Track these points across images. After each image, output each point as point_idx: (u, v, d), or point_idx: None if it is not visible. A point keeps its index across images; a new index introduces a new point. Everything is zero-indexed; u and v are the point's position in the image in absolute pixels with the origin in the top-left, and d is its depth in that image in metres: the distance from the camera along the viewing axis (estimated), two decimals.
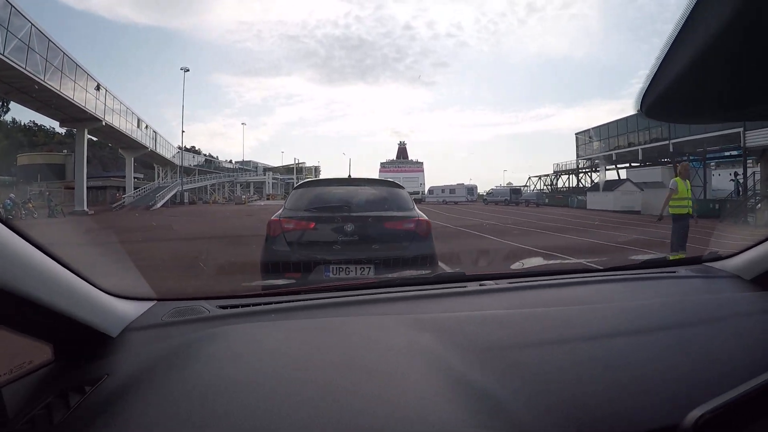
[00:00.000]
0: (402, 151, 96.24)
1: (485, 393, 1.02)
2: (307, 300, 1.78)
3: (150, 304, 1.70)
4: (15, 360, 1.06)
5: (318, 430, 0.86)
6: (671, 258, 2.45)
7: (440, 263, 6.38)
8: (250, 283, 2.72)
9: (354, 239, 5.27)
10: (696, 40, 0.63)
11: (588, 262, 2.54)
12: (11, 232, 1.02)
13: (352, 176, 6.53)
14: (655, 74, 0.71)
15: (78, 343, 1.30)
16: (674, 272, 2.16)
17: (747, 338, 1.30)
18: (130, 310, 1.57)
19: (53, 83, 26.57)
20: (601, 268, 2.34)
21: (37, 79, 24.59)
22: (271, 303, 1.75)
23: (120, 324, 1.45)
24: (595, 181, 48.54)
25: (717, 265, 2.15)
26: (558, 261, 2.99)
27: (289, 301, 1.77)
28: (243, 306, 1.72)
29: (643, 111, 0.79)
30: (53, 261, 1.15)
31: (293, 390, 1.00)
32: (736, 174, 31.29)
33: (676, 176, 9.79)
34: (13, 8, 22.11)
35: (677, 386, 0.73)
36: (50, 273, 1.14)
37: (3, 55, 21.35)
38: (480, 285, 1.95)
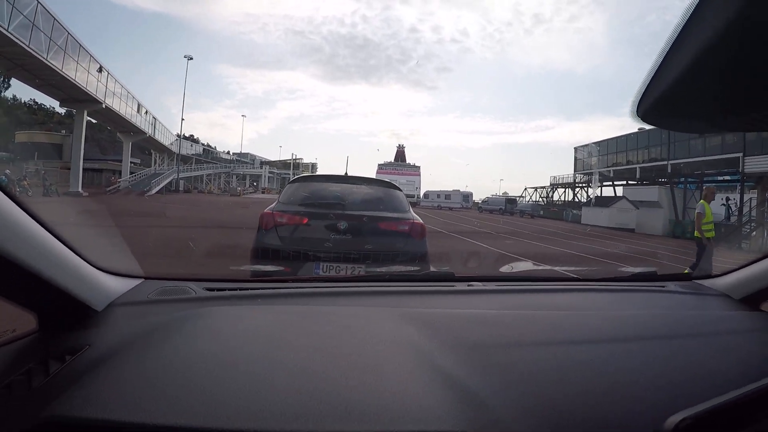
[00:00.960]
0: (400, 153, 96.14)
1: (467, 389, 1.02)
2: (294, 288, 1.79)
3: (137, 281, 1.70)
4: None
5: (295, 411, 0.88)
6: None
7: (432, 267, 6.36)
8: (239, 267, 2.70)
9: (347, 237, 5.20)
10: (694, 44, 0.62)
11: (578, 271, 2.55)
12: (6, 198, 1.02)
13: (349, 174, 6.48)
14: (652, 78, 0.70)
15: (62, 314, 1.31)
16: (663, 287, 2.17)
17: (732, 354, 1.31)
18: (117, 285, 1.56)
19: (56, 62, 26.44)
20: (590, 277, 2.34)
21: (39, 57, 24.47)
22: (258, 288, 1.76)
23: (106, 298, 1.46)
24: (591, 196, 48.73)
25: (707, 283, 2.15)
26: (548, 268, 2.99)
27: (276, 288, 1.78)
28: (230, 289, 1.72)
29: (639, 115, 0.77)
30: (45, 230, 1.15)
31: (272, 370, 1.02)
32: (727, 199, 31.45)
33: (702, 199, 9.64)
34: None
35: (658, 394, 0.73)
36: (42, 241, 1.14)
37: (7, 31, 21.21)
38: (468, 285, 1.95)
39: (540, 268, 2.70)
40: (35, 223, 1.11)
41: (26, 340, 1.25)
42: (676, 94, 0.70)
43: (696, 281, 2.21)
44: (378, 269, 2.32)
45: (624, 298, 2.02)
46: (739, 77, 0.55)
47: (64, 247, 1.24)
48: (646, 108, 0.74)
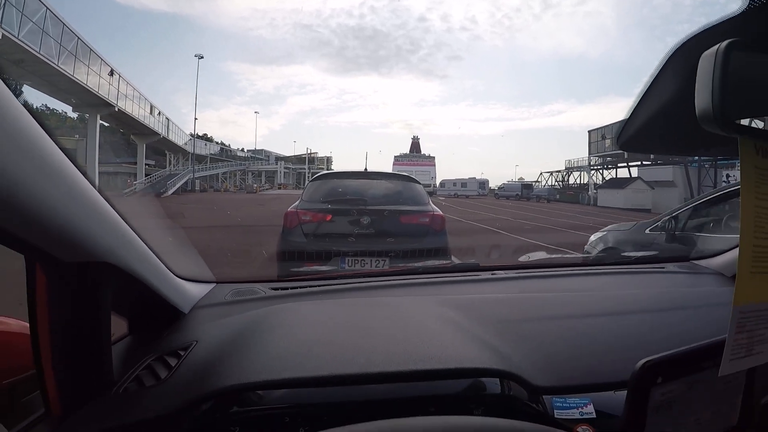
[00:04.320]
0: (415, 145, 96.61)
1: (495, 348, 1.29)
2: (343, 284, 2.04)
3: (211, 286, 1.94)
4: None
5: (366, 360, 1.17)
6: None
7: (453, 257, 6.41)
8: (299, 268, 3.04)
9: (370, 232, 5.35)
10: (663, 93, 0.91)
11: (587, 257, 2.81)
12: (113, 211, 1.15)
13: (369, 170, 6.56)
14: (629, 117, 1.00)
15: (152, 318, 1.54)
16: (663, 268, 2.38)
17: (715, 323, 1.41)
18: (196, 290, 1.81)
19: (67, 68, 26.58)
20: (597, 262, 2.73)
21: (51, 63, 24.63)
22: (314, 286, 2.01)
23: (190, 302, 1.71)
24: (607, 178, 48.51)
25: (703, 262, 2.36)
26: (560, 255, 3.38)
27: (329, 285, 2.02)
28: (292, 288, 1.98)
29: (619, 145, 1.12)
30: (141, 239, 1.30)
31: (344, 342, 1.30)
32: (728, 176, 31.25)
33: None
34: None
35: (644, 353, 0.82)
36: (145, 251, 1.33)
37: (17, 38, 21.36)
38: (492, 274, 2.21)
39: (553, 256, 2.91)
40: (134, 233, 1.26)
41: (124, 343, 1.49)
42: (650, 131, 1.02)
43: (693, 262, 2.41)
44: (414, 264, 2.58)
45: (627, 279, 2.26)
46: (690, 117, 0.67)
47: (157, 258, 1.42)
48: (623, 140, 1.08)
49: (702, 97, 0.66)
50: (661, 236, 5.70)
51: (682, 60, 0.82)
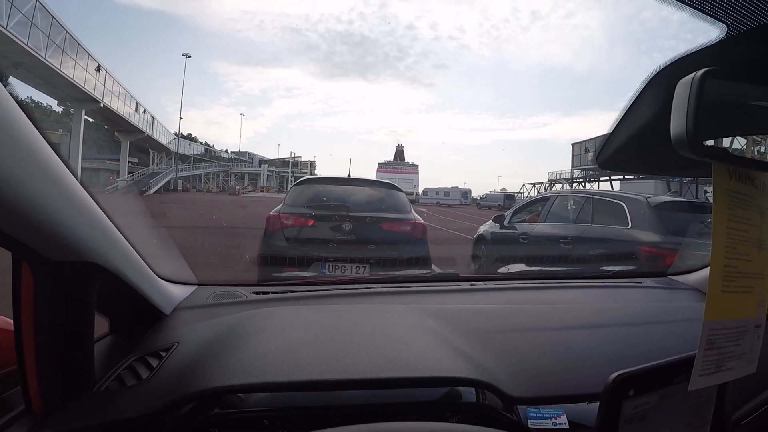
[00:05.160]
0: (399, 152, 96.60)
1: (471, 357, 1.34)
2: (325, 290, 2.09)
3: (193, 288, 1.97)
4: None
5: (345, 366, 1.20)
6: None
7: (434, 265, 6.46)
8: (280, 273, 3.07)
9: (351, 238, 5.41)
10: (641, 116, 0.95)
11: (566, 270, 2.89)
12: (101, 211, 1.16)
13: (352, 176, 6.58)
14: (609, 137, 1.06)
15: (134, 318, 1.57)
16: (640, 282, 2.40)
17: (694, 339, 1.46)
18: (178, 292, 1.83)
19: (54, 61, 26.28)
20: (575, 276, 2.75)
21: (38, 56, 24.33)
22: (296, 291, 2.04)
23: (172, 304, 1.73)
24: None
25: (680, 278, 2.39)
26: (538, 268, 3.46)
27: (310, 291, 2.07)
28: (273, 293, 2.01)
29: (598, 164, 1.16)
30: (126, 240, 1.32)
31: (323, 347, 1.32)
32: (705, 192, 31.66)
33: None
34: None
35: (616, 365, 0.84)
36: (129, 253, 1.35)
37: (6, 29, 21.10)
38: (471, 285, 2.25)
39: (532, 268, 3.06)
40: (120, 233, 1.28)
41: (105, 342, 1.51)
42: (624, 151, 1.08)
43: (670, 277, 2.44)
44: (396, 273, 2.69)
45: (604, 293, 2.30)
46: (666, 141, 0.70)
47: (139, 256, 1.44)
48: (602, 159, 1.13)
49: (677, 122, 0.69)
50: (497, 226, 8.63)
51: (661, 85, 0.86)
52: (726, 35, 0.76)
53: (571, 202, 7.45)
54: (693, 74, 0.69)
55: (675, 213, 5.78)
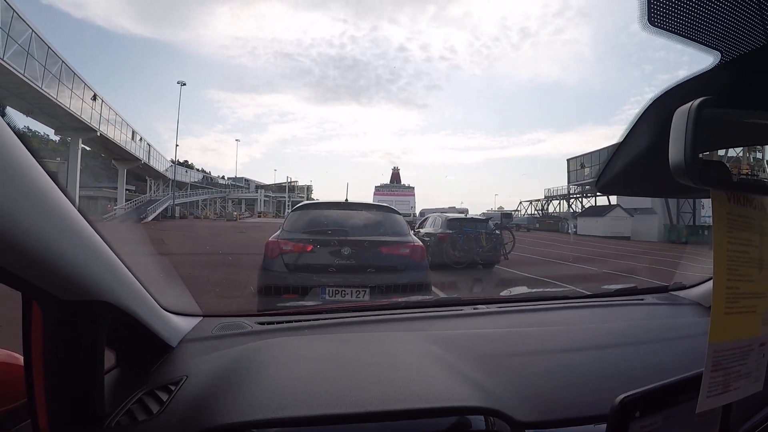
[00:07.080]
0: (395, 175, 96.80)
1: (477, 383, 1.35)
2: (332, 318, 2.08)
3: (197, 319, 1.95)
4: None
5: (354, 400, 1.21)
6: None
7: (435, 288, 6.47)
8: (284, 303, 3.05)
9: (350, 263, 5.38)
10: (639, 143, 0.98)
11: (567, 291, 2.87)
12: (109, 248, 1.15)
13: (349, 200, 6.60)
14: (608, 164, 1.09)
15: (140, 351, 1.55)
16: (642, 300, 2.43)
17: (693, 354, 1.45)
18: (183, 324, 1.81)
19: (51, 91, 26.50)
20: (577, 296, 2.71)
21: (35, 86, 24.53)
22: (300, 320, 2.04)
23: (178, 336, 1.71)
24: (586, 206, 48.94)
25: (681, 293, 2.41)
26: (540, 289, 3.46)
27: (315, 319, 2.06)
28: (278, 323, 2.00)
29: (598, 189, 1.20)
30: (132, 274, 1.31)
31: (332, 379, 1.33)
32: (703, 206, 31.73)
33: None
34: (15, 13, 22.10)
35: (623, 387, 0.86)
36: (136, 288, 1.34)
37: (2, 59, 21.28)
38: (474, 309, 2.25)
39: (534, 290, 3.03)
40: (127, 269, 1.27)
41: (112, 375, 1.48)
42: (622, 176, 1.10)
43: (672, 293, 2.46)
44: (398, 299, 2.65)
45: (607, 312, 2.32)
46: (665, 167, 0.72)
47: (145, 290, 1.42)
48: (601, 185, 1.16)
49: (675, 151, 0.71)
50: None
51: (658, 113, 0.87)
52: (720, 61, 0.77)
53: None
54: (690, 104, 0.70)
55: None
